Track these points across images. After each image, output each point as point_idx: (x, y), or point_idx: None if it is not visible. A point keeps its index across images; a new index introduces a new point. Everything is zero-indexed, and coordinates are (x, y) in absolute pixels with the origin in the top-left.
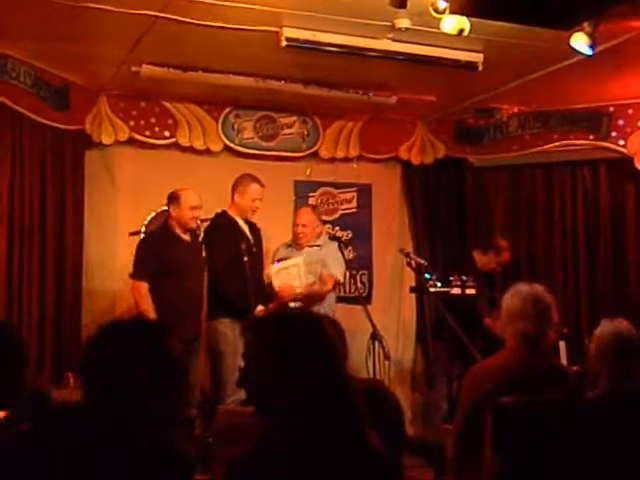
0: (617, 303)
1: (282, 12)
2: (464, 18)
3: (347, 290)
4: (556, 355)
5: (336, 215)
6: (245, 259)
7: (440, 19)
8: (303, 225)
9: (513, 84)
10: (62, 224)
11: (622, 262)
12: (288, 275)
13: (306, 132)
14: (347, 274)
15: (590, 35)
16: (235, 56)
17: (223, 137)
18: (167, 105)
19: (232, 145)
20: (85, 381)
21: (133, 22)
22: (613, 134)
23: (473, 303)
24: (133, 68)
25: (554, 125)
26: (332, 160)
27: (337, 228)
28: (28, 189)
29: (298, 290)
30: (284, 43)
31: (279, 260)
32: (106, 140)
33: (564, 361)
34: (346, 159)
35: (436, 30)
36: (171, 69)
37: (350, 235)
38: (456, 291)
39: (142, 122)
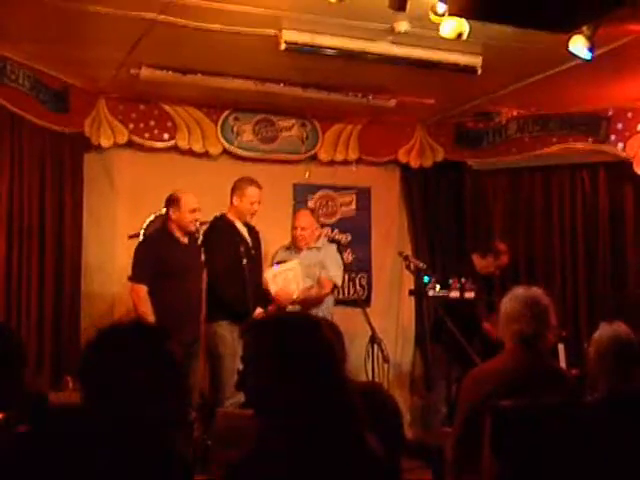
0: (616, 306)
1: (281, 15)
2: (463, 21)
3: (346, 293)
4: (555, 358)
5: (335, 218)
6: (244, 262)
7: (439, 22)
8: (302, 228)
9: (512, 87)
10: (61, 227)
11: (621, 265)
12: (285, 280)
13: (305, 135)
14: (346, 277)
15: (589, 38)
16: (234, 59)
17: (222, 140)
18: (166, 108)
19: (231, 148)
20: (84, 384)
21: (132, 25)
22: (612, 137)
23: (472, 306)
24: (132, 71)
25: (553, 128)
26: (331, 163)
27: (336, 231)
28: (27, 192)
29: (295, 295)
30: (283, 46)
31: (278, 263)
32: (105, 143)
33: (563, 364)
34: (345, 162)
35: (435, 33)
36: (170, 72)
37: (349, 238)
38: (455, 294)
39: (141, 125)
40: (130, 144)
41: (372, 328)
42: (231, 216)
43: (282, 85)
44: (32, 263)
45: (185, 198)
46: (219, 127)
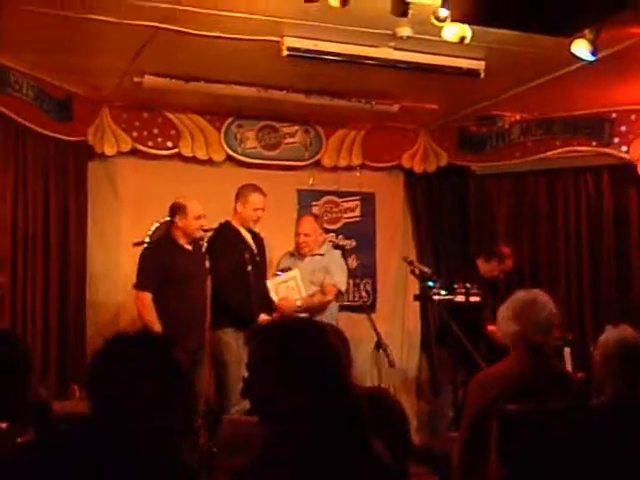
0: (621, 309)
1: (283, 22)
2: (465, 26)
3: (351, 299)
4: (561, 361)
5: (339, 224)
6: (249, 268)
7: (441, 27)
8: (305, 234)
9: (515, 91)
10: (65, 235)
11: (626, 268)
12: (287, 288)
13: (309, 141)
14: (351, 283)
15: (591, 42)
16: (237, 66)
17: (226, 147)
18: (169, 116)
19: (235, 155)
20: (91, 395)
21: (135, 33)
22: (615, 140)
23: (477, 311)
24: (135, 79)
25: (556, 132)
26: (335, 169)
27: (340, 237)
28: (31, 200)
29: (298, 303)
30: (285, 53)
31: (282, 270)
32: (109, 151)
33: (569, 367)
34: (349, 168)
35: (437, 38)
36: (173, 80)
37: (354, 244)
38: (460, 299)
39: (145, 133)
40: (134, 152)
41: (377, 334)
42: (235, 223)
43: (285, 91)
44: (37, 271)
45: (191, 205)
46: (222, 134)
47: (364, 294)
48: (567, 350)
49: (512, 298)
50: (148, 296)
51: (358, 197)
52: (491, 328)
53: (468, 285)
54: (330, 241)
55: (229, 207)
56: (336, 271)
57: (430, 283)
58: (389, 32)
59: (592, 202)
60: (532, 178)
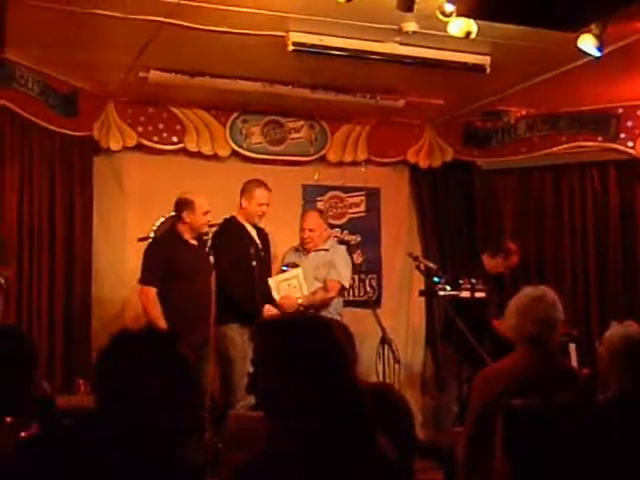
0: (627, 305)
1: (289, 17)
2: (471, 21)
3: (356, 294)
4: (566, 357)
5: (344, 219)
6: (254, 264)
7: (447, 22)
8: (310, 229)
9: (521, 86)
10: (71, 230)
11: (632, 263)
12: (289, 287)
13: (314, 136)
14: (356, 278)
15: (598, 37)
16: (242, 61)
17: (231, 142)
18: (175, 111)
19: (240, 150)
20: (97, 391)
21: (140, 28)
22: (622, 136)
23: (483, 306)
24: (141, 74)
25: (562, 127)
26: (340, 164)
27: (345, 232)
28: (37, 195)
29: (300, 301)
30: (291, 48)
31: (287, 265)
32: (114, 146)
33: (574, 363)
34: (354, 163)
35: (443, 33)
36: (178, 75)
37: (359, 239)
38: (465, 294)
39: (150, 128)
40: (139, 147)
41: (383, 329)
42: (240, 218)
43: (290, 87)
44: (43, 266)
45: (199, 201)
46: (228, 129)
47: (369, 289)
48: (572, 346)
49: (519, 294)
50: (153, 291)
51: (363, 192)
52: (497, 324)
53: (473, 281)
54: (335, 236)
55: (234, 202)
56: (341, 266)
57: (435, 279)
58: (395, 27)
59: (598, 197)
60: (538, 173)
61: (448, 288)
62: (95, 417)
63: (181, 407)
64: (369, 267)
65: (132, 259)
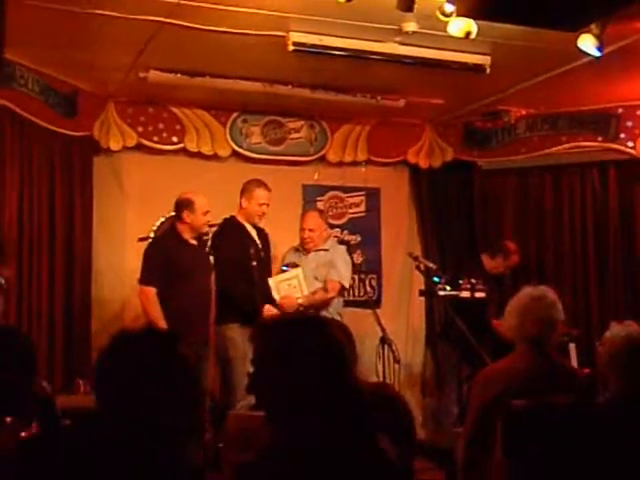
0: (627, 304)
1: (289, 17)
2: (471, 21)
3: (356, 294)
4: (566, 357)
5: (344, 219)
6: (254, 264)
7: (447, 22)
8: (310, 229)
9: (521, 86)
10: (71, 230)
11: (632, 263)
12: (289, 287)
13: (314, 136)
14: (356, 278)
15: (598, 37)
16: (242, 61)
17: (231, 142)
18: (175, 111)
19: (240, 150)
20: (98, 392)
21: (140, 28)
22: (622, 136)
23: (482, 306)
24: (141, 74)
25: (562, 127)
26: (340, 164)
27: (345, 232)
28: (37, 195)
29: (299, 301)
30: (291, 48)
31: (287, 264)
32: (114, 146)
33: (574, 363)
34: (354, 163)
35: (443, 33)
36: (178, 75)
37: (359, 239)
38: (465, 294)
39: (150, 128)
40: (139, 147)
41: (382, 329)
42: (240, 218)
43: (290, 86)
44: (42, 266)
45: (199, 200)
46: (228, 129)
47: (369, 289)
48: (572, 346)
49: (519, 294)
50: (152, 291)
51: (363, 192)
52: (496, 324)
53: (473, 281)
54: (335, 236)
55: (234, 202)
56: (340, 266)
57: (435, 279)
58: (395, 27)
59: (598, 197)
60: (538, 173)
61: (448, 288)
62: (95, 417)
63: (181, 407)
64: (369, 267)
65: (132, 259)
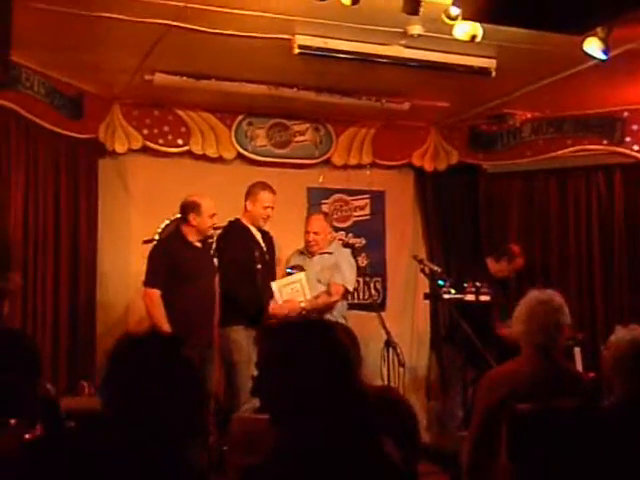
0: (632, 308)
1: (295, 20)
2: (477, 24)
3: (361, 297)
4: (571, 361)
5: (349, 222)
6: (258, 266)
7: (453, 25)
8: (315, 232)
9: (526, 89)
10: (76, 232)
11: (637, 267)
12: (291, 291)
13: (319, 139)
14: (361, 281)
15: (603, 40)
16: (248, 64)
17: (236, 145)
18: (180, 113)
19: (245, 153)
20: (103, 395)
21: (146, 31)
22: (627, 139)
23: (487, 310)
24: (146, 77)
25: (568, 130)
26: (345, 167)
27: (350, 235)
28: (42, 197)
29: (302, 305)
30: (297, 50)
31: (292, 267)
32: (119, 148)
33: (579, 367)
34: (359, 166)
35: (449, 36)
36: (184, 77)
37: (363, 242)
38: (470, 298)
39: (155, 130)
40: (144, 149)
41: (387, 332)
42: (245, 221)
43: (296, 89)
44: (47, 268)
45: (205, 203)
46: (233, 132)
47: (374, 292)
48: (577, 350)
49: (526, 298)
50: (156, 293)
51: (368, 195)
52: (501, 327)
53: (478, 284)
54: (340, 239)
55: (239, 205)
56: (345, 270)
57: (440, 282)
58: (400, 30)
59: (603, 201)
60: (543, 177)
61: (453, 291)
62: (99, 419)
63: (185, 410)
64: (374, 270)
65: (137, 262)
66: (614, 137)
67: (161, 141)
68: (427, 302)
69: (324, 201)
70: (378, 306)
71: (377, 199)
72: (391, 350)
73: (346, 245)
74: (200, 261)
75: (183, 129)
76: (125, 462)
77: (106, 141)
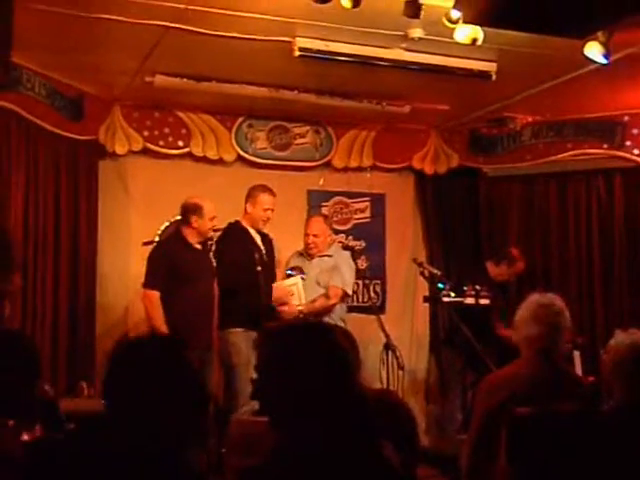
0: (632, 312)
1: (295, 22)
2: (477, 27)
3: (360, 300)
4: (571, 365)
5: (349, 225)
6: (258, 269)
7: (453, 29)
8: (314, 235)
9: (527, 93)
10: (76, 233)
11: (637, 271)
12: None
13: (319, 142)
14: (360, 284)
15: (604, 44)
16: (248, 66)
17: (236, 147)
18: (181, 115)
19: (245, 155)
20: (104, 397)
21: (146, 32)
22: (627, 143)
23: (486, 313)
24: (147, 78)
25: (568, 134)
26: (345, 170)
27: (350, 238)
28: (42, 198)
29: (299, 308)
30: (297, 53)
31: (292, 268)
32: (120, 150)
33: (579, 371)
34: (359, 169)
35: (449, 40)
36: (184, 79)
37: (363, 245)
38: (470, 301)
39: (156, 132)
40: (145, 151)
41: (387, 335)
42: (245, 223)
43: (296, 92)
44: (47, 270)
45: (207, 206)
46: (233, 134)
47: (373, 295)
48: (577, 353)
49: (527, 301)
50: (156, 294)
51: (368, 198)
52: (502, 331)
53: (478, 287)
54: (339, 242)
55: (239, 207)
56: (345, 272)
57: (440, 285)
58: (401, 33)
59: (603, 205)
60: (543, 180)
61: (452, 294)
62: (99, 421)
63: (185, 412)
64: (373, 273)
65: (136, 263)
66: (614, 141)
67: (161, 143)
68: (427, 305)
69: (324, 204)
70: (377, 309)
71: (377, 202)
72: (390, 353)
73: (346, 248)
74: (200, 263)
75: (183, 131)
76: (125, 464)
77: (106, 142)
